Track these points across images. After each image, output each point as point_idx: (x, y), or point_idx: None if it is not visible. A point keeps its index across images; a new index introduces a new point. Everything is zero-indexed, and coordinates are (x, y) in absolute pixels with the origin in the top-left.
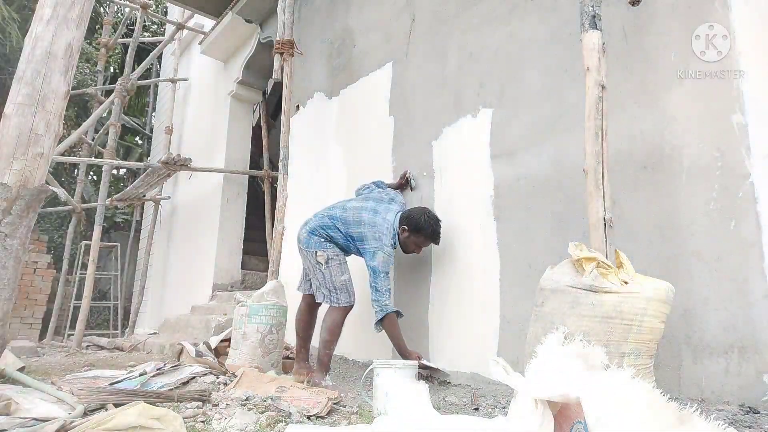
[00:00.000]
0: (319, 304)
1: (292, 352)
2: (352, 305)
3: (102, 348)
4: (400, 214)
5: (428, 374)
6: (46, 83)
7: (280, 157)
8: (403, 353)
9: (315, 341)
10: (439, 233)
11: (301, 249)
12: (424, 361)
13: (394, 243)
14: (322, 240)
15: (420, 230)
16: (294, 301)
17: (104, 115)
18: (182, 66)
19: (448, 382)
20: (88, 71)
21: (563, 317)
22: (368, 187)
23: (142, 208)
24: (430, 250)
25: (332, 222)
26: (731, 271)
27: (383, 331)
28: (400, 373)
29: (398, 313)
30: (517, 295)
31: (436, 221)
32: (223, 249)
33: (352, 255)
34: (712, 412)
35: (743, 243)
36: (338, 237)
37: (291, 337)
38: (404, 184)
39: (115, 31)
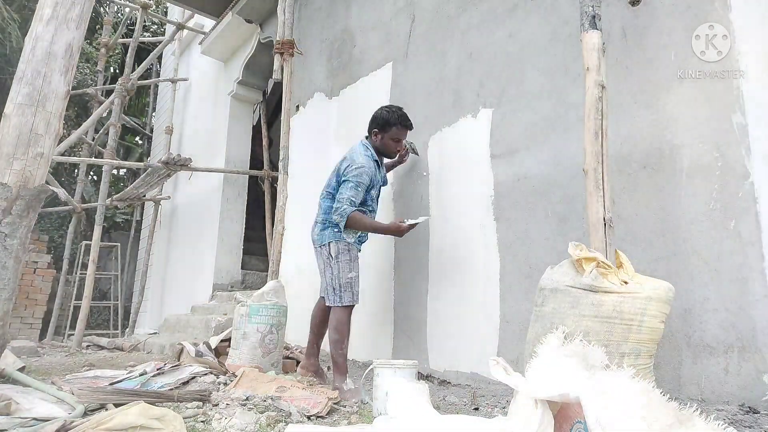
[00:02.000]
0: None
1: (292, 352)
2: (354, 305)
3: (102, 348)
4: (360, 141)
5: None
6: (46, 83)
7: (280, 157)
8: (387, 230)
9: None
10: (407, 116)
11: (316, 248)
12: (408, 221)
13: (372, 156)
14: (336, 230)
15: (388, 123)
16: (294, 301)
17: (104, 115)
18: (182, 66)
19: (448, 382)
20: (88, 71)
21: (563, 317)
22: None
23: (142, 208)
24: (428, 250)
25: (328, 201)
26: (731, 271)
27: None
28: (400, 373)
29: (361, 212)
30: (517, 295)
31: (398, 108)
32: (223, 249)
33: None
34: (712, 412)
35: (743, 243)
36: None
37: (291, 337)
38: (403, 156)
39: (115, 31)
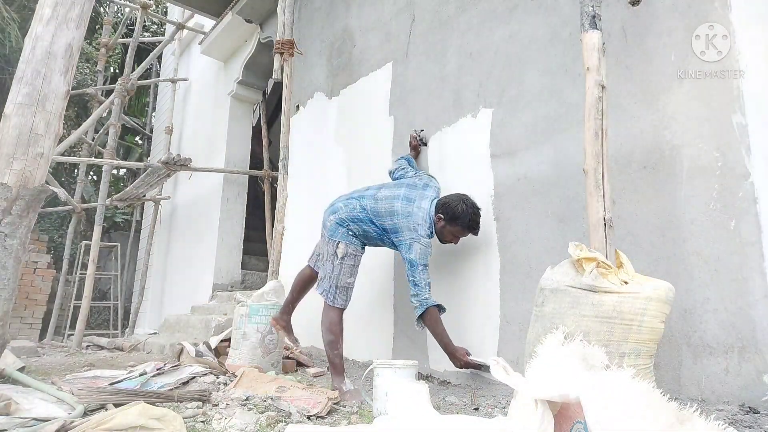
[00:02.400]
0: (316, 277)
1: (291, 352)
2: (345, 308)
3: (102, 348)
4: (435, 201)
5: (476, 372)
6: (46, 83)
7: (280, 157)
8: (450, 350)
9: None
10: (478, 223)
11: (324, 235)
12: (473, 358)
13: (431, 232)
14: (350, 234)
15: (457, 219)
16: None
17: (104, 115)
18: (182, 66)
19: (448, 382)
20: (88, 71)
21: (563, 317)
22: (402, 168)
23: (142, 208)
24: None
25: (364, 213)
26: (731, 271)
27: (425, 328)
28: (400, 373)
29: (440, 307)
30: (517, 295)
31: (475, 210)
32: (223, 249)
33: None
34: (712, 412)
35: (743, 243)
36: (371, 231)
37: None
38: (417, 147)
39: (115, 31)
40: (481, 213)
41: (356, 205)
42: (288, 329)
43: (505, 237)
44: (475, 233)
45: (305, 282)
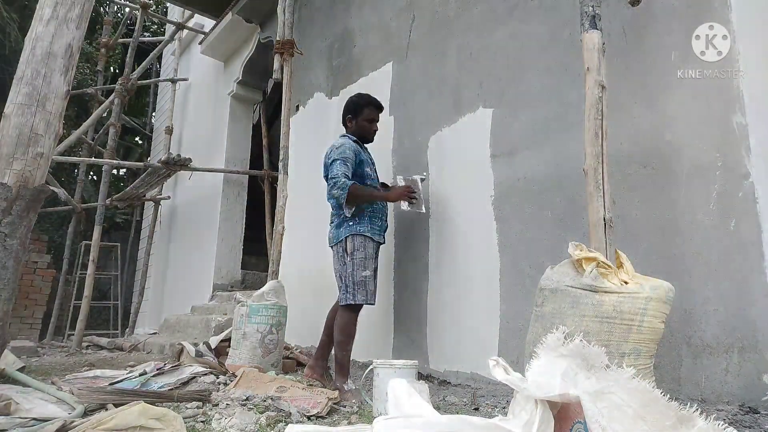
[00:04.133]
0: None
1: (292, 352)
2: (369, 304)
3: (102, 348)
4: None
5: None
6: (46, 83)
7: (280, 157)
8: (384, 196)
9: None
10: (375, 98)
11: (333, 249)
12: (406, 178)
13: (348, 137)
14: (351, 223)
15: (359, 107)
16: (294, 301)
17: (104, 115)
18: (182, 66)
19: (448, 382)
20: (88, 71)
21: (563, 317)
22: None
23: (142, 208)
24: (428, 250)
25: (331, 201)
26: (731, 271)
27: (353, 207)
28: (400, 373)
29: (356, 185)
30: (517, 295)
31: (364, 93)
32: (223, 249)
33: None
34: (712, 412)
35: (743, 243)
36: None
37: (291, 337)
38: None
39: (115, 31)
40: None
41: (331, 205)
42: (325, 378)
43: (505, 237)
44: (380, 107)
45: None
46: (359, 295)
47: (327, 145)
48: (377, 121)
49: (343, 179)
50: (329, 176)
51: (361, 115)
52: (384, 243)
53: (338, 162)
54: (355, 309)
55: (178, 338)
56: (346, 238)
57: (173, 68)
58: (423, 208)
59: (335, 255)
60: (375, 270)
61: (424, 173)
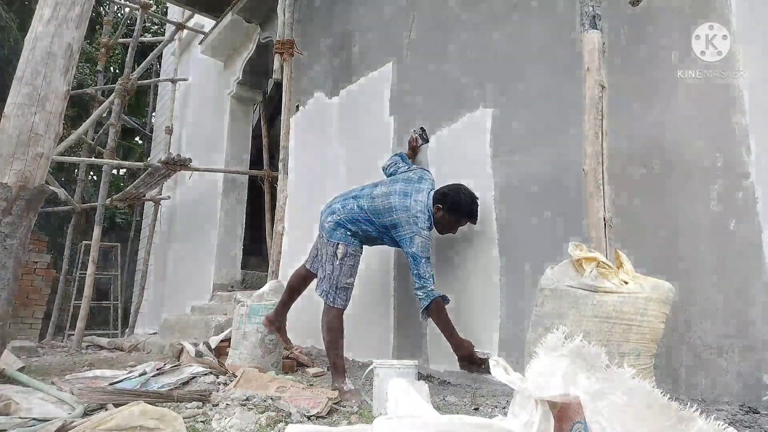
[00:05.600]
0: (312, 278)
1: (292, 352)
2: (345, 308)
3: (102, 348)
4: (432, 192)
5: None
6: (46, 83)
7: (280, 157)
8: (456, 341)
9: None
10: (477, 211)
11: (322, 236)
12: (479, 351)
13: (430, 224)
14: (349, 234)
15: (457, 209)
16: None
17: (104, 115)
18: (182, 66)
19: (448, 382)
20: (88, 71)
21: (563, 317)
22: (395, 164)
23: (142, 208)
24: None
25: (362, 214)
26: (731, 271)
27: (430, 319)
28: (400, 373)
29: (444, 298)
30: (517, 295)
31: (473, 198)
32: (223, 249)
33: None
34: (712, 412)
35: (743, 243)
36: (371, 230)
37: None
38: (416, 147)
39: (115, 31)
40: (479, 203)
41: (354, 206)
42: (282, 330)
43: (505, 237)
44: (474, 222)
45: (300, 282)
46: (339, 300)
47: (327, 145)
48: (459, 227)
49: (431, 288)
50: (415, 270)
51: (452, 216)
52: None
53: (424, 261)
54: (339, 310)
55: (178, 338)
56: (338, 243)
57: (173, 68)
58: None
59: (324, 247)
60: (355, 278)
61: (490, 355)
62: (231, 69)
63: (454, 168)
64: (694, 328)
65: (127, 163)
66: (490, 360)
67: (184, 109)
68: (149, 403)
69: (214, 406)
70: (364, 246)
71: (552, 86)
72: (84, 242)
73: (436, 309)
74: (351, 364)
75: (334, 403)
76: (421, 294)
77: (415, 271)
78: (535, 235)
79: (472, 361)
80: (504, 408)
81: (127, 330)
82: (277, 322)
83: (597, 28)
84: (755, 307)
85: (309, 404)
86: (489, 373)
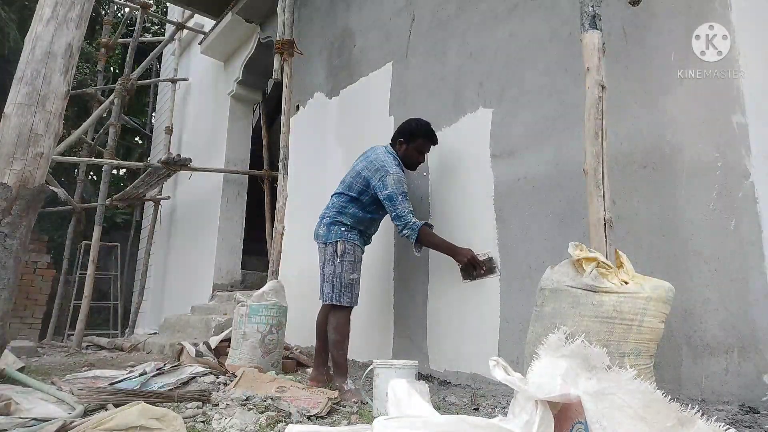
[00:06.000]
0: None
1: (292, 352)
2: (353, 306)
3: (102, 348)
4: (389, 140)
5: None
6: (46, 83)
7: (280, 157)
8: (454, 250)
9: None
10: (434, 131)
11: (319, 245)
12: (479, 254)
13: (399, 164)
14: (344, 229)
15: (414, 133)
16: (294, 301)
17: (104, 115)
18: (182, 66)
19: (448, 382)
20: (88, 71)
21: (563, 317)
22: None
23: (142, 208)
24: (429, 250)
25: (342, 198)
26: (731, 271)
27: (424, 247)
28: (400, 373)
29: (427, 224)
30: (517, 295)
31: (425, 122)
32: (223, 249)
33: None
34: (712, 412)
35: (743, 243)
36: (358, 211)
37: (291, 337)
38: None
39: (115, 31)
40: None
41: (333, 200)
42: (328, 383)
43: (505, 237)
44: (435, 142)
45: (327, 319)
46: (345, 297)
47: (327, 145)
48: (426, 152)
49: (413, 220)
50: (393, 212)
51: (413, 144)
52: (363, 252)
53: (399, 197)
54: (347, 309)
55: (178, 338)
56: (336, 241)
57: (173, 68)
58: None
59: (323, 253)
60: (360, 274)
61: (492, 256)
62: (231, 69)
63: (454, 168)
64: (694, 328)
65: (127, 163)
66: (490, 360)
67: (184, 109)
68: (149, 403)
69: (214, 406)
70: (365, 244)
71: (552, 86)
72: (84, 242)
73: (425, 236)
74: (351, 364)
75: (334, 403)
76: (407, 231)
77: (394, 213)
78: (535, 234)
79: (475, 265)
80: (504, 408)
81: (127, 330)
82: (321, 376)
83: (597, 28)
84: (755, 307)
85: (309, 404)
86: (494, 272)
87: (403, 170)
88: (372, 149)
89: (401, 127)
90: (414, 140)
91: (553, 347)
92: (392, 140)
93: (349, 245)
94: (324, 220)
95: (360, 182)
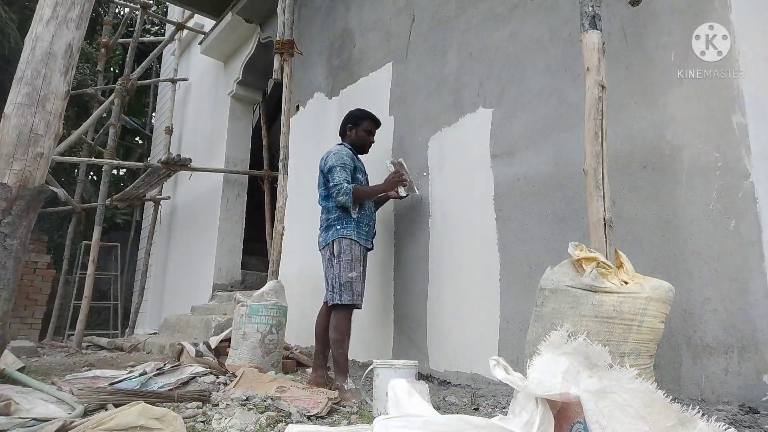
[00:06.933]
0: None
1: (292, 352)
2: (355, 305)
3: (102, 348)
4: (344, 139)
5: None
6: (46, 83)
7: (280, 157)
8: (383, 187)
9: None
10: (374, 114)
11: (321, 253)
12: (390, 163)
13: (351, 151)
14: (338, 228)
15: (357, 117)
16: (294, 301)
17: (104, 115)
18: (182, 66)
19: (448, 382)
20: (88, 71)
21: (563, 317)
22: None
23: (142, 208)
24: (428, 250)
25: (323, 204)
26: (731, 271)
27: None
28: (400, 373)
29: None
30: (517, 295)
31: (365, 108)
32: (223, 249)
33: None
34: (712, 412)
35: (743, 243)
36: (338, 212)
37: (291, 338)
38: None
39: (115, 32)
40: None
41: (321, 208)
42: (327, 385)
43: (505, 237)
44: (378, 123)
45: (327, 317)
46: (345, 296)
47: (327, 145)
48: (374, 134)
49: (345, 185)
50: (331, 183)
51: (360, 127)
52: (372, 249)
53: (338, 168)
54: (346, 308)
55: (178, 338)
56: (332, 241)
57: (173, 68)
58: (416, 189)
59: (323, 258)
60: (362, 273)
61: (400, 159)
62: (231, 69)
63: (454, 168)
64: (694, 328)
65: (127, 163)
66: (490, 360)
67: (184, 109)
68: (149, 403)
69: (214, 406)
70: (369, 237)
71: (552, 86)
72: (84, 242)
73: (358, 193)
74: (351, 364)
75: (334, 403)
76: (342, 198)
77: (332, 183)
78: (535, 234)
79: (398, 182)
80: (504, 408)
81: (127, 330)
82: (320, 378)
83: (597, 28)
84: (755, 307)
85: (309, 404)
86: (403, 168)
87: (352, 150)
88: (328, 150)
89: (346, 117)
90: (361, 122)
91: (555, 344)
92: (340, 133)
93: (345, 242)
94: (321, 229)
95: (323, 180)
